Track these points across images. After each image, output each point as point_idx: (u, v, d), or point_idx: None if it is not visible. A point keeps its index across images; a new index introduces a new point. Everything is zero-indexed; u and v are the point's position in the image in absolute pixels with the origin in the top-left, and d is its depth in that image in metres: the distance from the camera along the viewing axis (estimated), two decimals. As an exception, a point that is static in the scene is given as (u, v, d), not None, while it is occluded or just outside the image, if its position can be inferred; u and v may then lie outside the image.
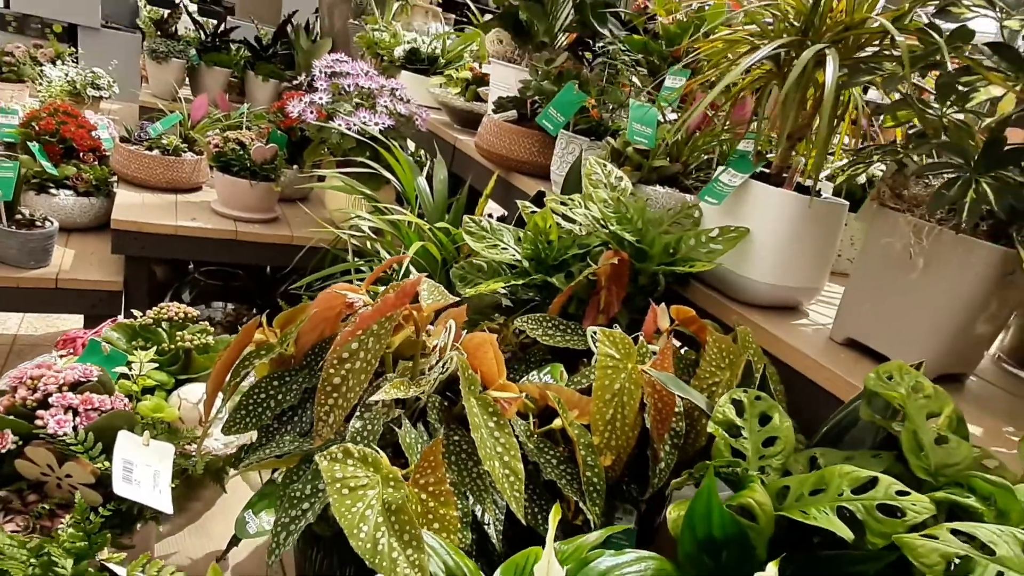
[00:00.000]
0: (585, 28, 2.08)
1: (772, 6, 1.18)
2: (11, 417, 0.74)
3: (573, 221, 1.13)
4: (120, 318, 1.11)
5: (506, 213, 2.06)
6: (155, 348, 1.00)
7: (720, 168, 1.21)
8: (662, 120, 1.48)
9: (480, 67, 2.50)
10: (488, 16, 2.30)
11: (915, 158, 1.02)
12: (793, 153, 1.20)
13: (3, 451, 0.73)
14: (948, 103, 0.94)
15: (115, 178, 2.34)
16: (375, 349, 0.73)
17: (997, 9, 0.85)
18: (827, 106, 0.93)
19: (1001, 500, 0.59)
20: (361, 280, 1.23)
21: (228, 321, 2.41)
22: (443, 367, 0.79)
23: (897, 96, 1.08)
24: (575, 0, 2.02)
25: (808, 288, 1.22)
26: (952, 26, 0.95)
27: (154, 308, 1.10)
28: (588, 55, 2.22)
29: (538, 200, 1.44)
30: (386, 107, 2.19)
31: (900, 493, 0.60)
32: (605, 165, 1.25)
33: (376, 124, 2.12)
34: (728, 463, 0.70)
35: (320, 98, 2.15)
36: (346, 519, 0.58)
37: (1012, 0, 0.86)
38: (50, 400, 0.77)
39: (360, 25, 3.58)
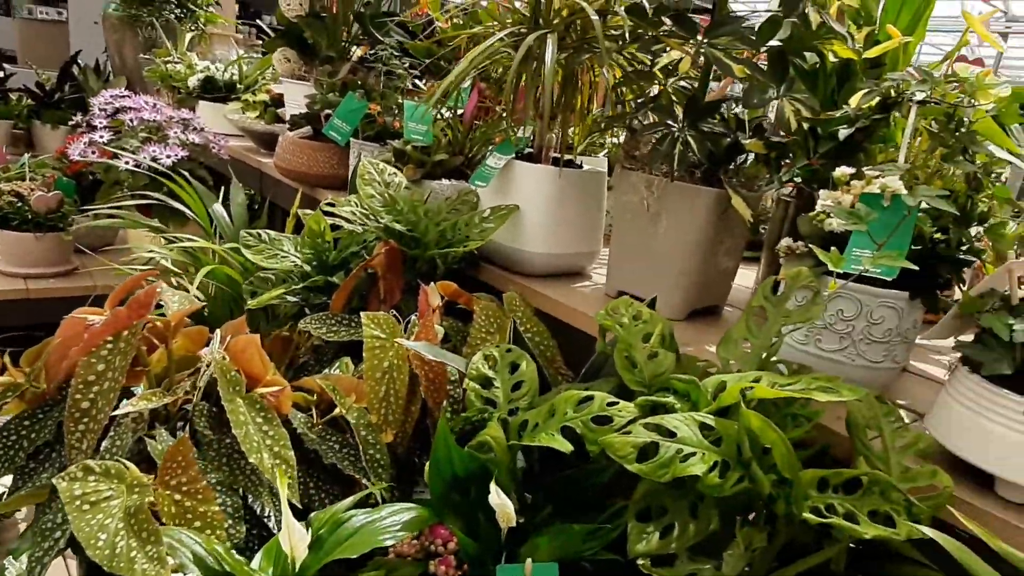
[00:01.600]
0: (370, 40, 2.12)
1: (509, 1, 1.28)
2: None
3: (346, 220, 1.16)
4: None
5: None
6: None
7: (487, 152, 1.29)
8: (439, 117, 1.55)
9: (275, 89, 2.48)
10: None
11: (641, 121, 1.15)
12: (548, 131, 1.31)
13: None
14: (654, 68, 1.07)
15: None
16: (121, 366, 0.73)
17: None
18: (548, 83, 1.03)
19: (692, 393, 0.69)
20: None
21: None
22: (209, 375, 0.79)
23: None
24: (355, 14, 2.06)
25: (584, 252, 1.33)
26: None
27: None
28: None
29: (329, 205, 1.46)
30: (178, 138, 2.11)
31: (610, 404, 0.68)
32: (378, 164, 1.29)
33: (168, 156, 2.04)
34: (479, 411, 0.76)
35: (100, 136, 2.04)
36: (83, 532, 0.58)
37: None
38: None
39: (151, 59, 3.41)
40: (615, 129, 1.31)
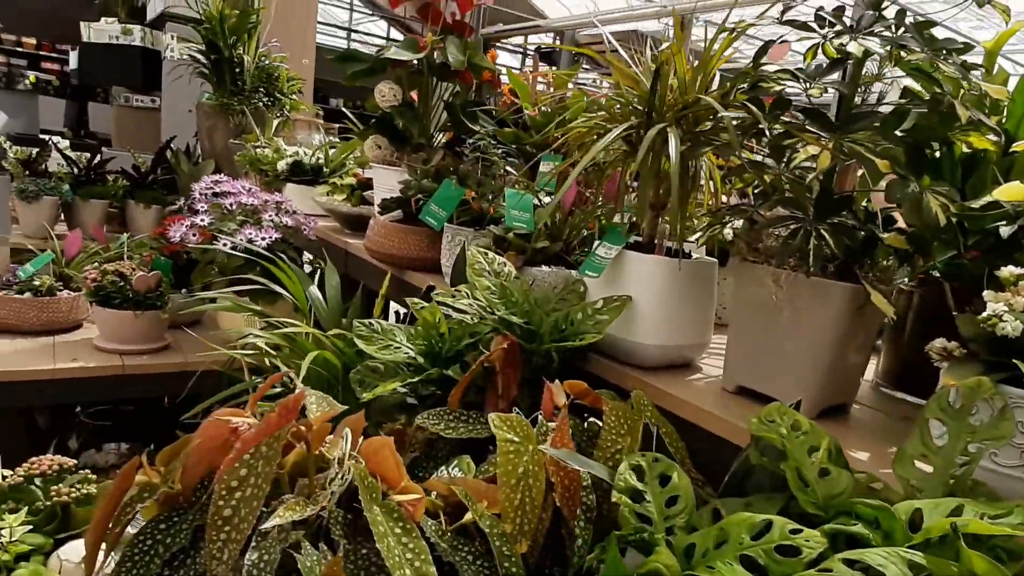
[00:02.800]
0: (458, 127, 2.18)
1: (619, 95, 1.28)
2: None
3: (462, 312, 1.15)
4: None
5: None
6: (26, 508, 0.92)
7: (596, 242, 1.28)
8: (538, 203, 1.56)
9: (363, 172, 2.56)
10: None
11: (763, 213, 1.12)
12: (659, 221, 1.29)
13: None
14: (781, 162, 1.05)
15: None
16: (265, 472, 0.71)
17: (801, 80, 0.97)
18: (674, 177, 1.01)
19: (884, 521, 0.63)
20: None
21: (123, 463, 2.24)
22: (342, 479, 0.77)
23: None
24: (445, 102, 2.13)
25: (695, 344, 1.28)
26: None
27: (24, 464, 1.02)
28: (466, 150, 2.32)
29: (427, 295, 1.45)
30: (272, 221, 2.18)
31: (793, 532, 0.62)
32: (487, 253, 1.29)
33: (263, 239, 2.10)
34: (635, 529, 0.70)
35: (202, 220, 2.12)
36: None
37: (811, 71, 0.99)
38: None
39: (241, 144, 3.59)
40: (726, 218, 1.28)
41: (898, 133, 0.96)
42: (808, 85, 0.97)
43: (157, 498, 0.78)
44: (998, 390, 0.73)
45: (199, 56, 4.01)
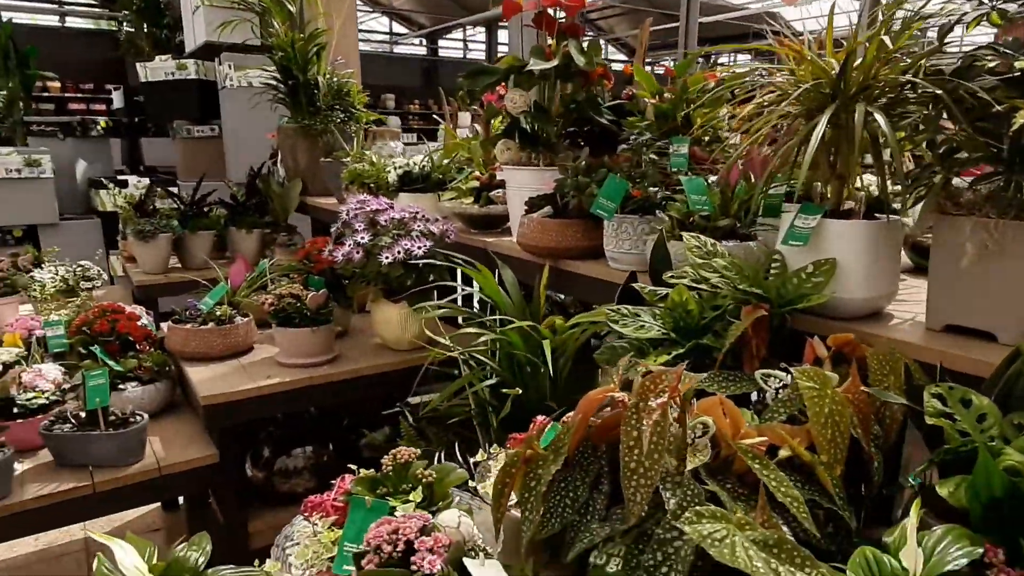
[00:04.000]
0: (583, 122, 2.35)
1: (799, 79, 1.44)
2: (390, 569, 0.86)
3: (711, 290, 1.33)
4: (351, 477, 1.23)
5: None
6: (411, 491, 1.13)
7: (791, 215, 1.44)
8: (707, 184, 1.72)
9: (484, 175, 2.73)
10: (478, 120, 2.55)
11: (956, 172, 1.28)
12: (844, 188, 1.45)
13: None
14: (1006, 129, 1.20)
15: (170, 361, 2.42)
16: (659, 432, 0.90)
17: (1007, 55, 1.13)
18: (894, 146, 1.18)
19: None
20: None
21: (311, 464, 2.47)
22: (704, 434, 0.96)
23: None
24: (574, 101, 2.29)
25: (888, 294, 1.45)
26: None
27: (386, 457, 1.23)
28: (580, 140, 2.49)
29: (630, 281, 1.64)
30: (420, 231, 2.38)
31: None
32: (699, 237, 1.47)
33: (419, 248, 2.30)
34: (963, 443, 0.88)
35: (362, 239, 2.32)
36: (726, 558, 0.74)
37: (1012, 44, 1.14)
38: (415, 547, 0.89)
39: (334, 161, 3.79)
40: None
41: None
42: (1015, 56, 1.12)
43: (550, 461, 0.97)
44: None
45: (274, 82, 4.21)
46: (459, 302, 2.11)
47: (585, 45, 2.26)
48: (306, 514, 1.19)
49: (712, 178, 1.78)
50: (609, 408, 1.03)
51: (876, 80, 1.36)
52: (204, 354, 2.40)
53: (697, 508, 0.81)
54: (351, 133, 4.12)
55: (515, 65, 2.29)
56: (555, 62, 2.14)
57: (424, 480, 1.14)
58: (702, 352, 1.28)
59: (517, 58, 2.35)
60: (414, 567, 0.88)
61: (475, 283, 2.00)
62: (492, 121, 3.02)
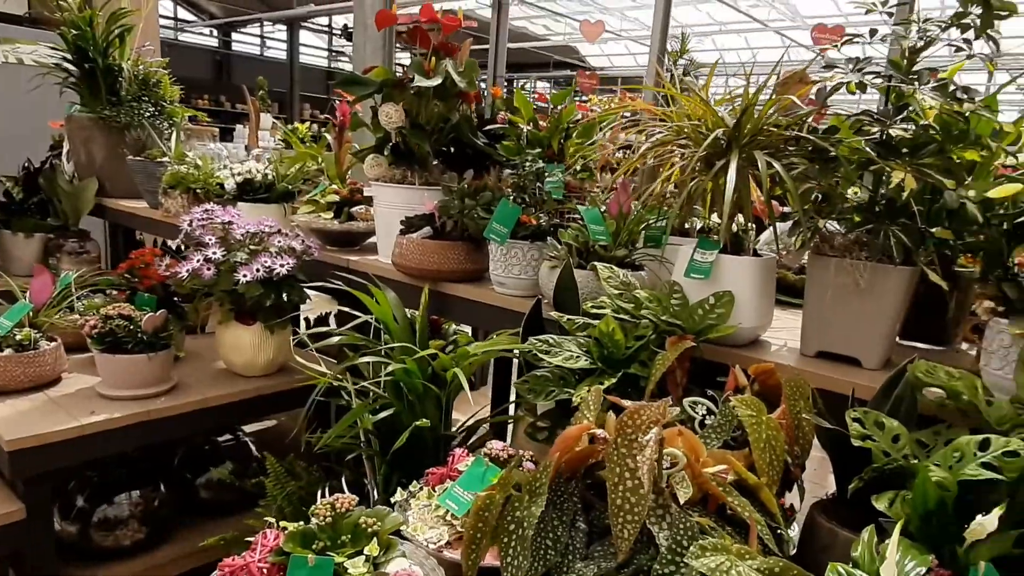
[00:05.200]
0: (457, 142, 2.33)
1: (690, 126, 1.56)
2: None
3: (632, 320, 1.38)
4: (274, 533, 1.06)
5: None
6: (352, 545, 0.99)
7: (683, 247, 1.55)
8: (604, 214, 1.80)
9: (342, 189, 2.59)
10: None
11: (832, 221, 1.47)
12: (734, 226, 1.60)
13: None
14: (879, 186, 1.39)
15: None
16: (635, 468, 0.91)
17: (879, 120, 1.32)
18: (793, 192, 1.32)
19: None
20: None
21: (139, 512, 2.14)
22: (673, 466, 0.98)
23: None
24: (445, 122, 2.26)
25: (768, 323, 1.61)
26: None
27: (319, 507, 1.08)
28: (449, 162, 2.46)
29: (535, 310, 1.65)
30: (280, 247, 2.19)
31: (1007, 454, 0.96)
32: (613, 268, 1.52)
33: (282, 266, 2.11)
34: (887, 461, 1.01)
35: (213, 254, 2.07)
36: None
37: (884, 112, 1.34)
38: None
39: (147, 161, 3.36)
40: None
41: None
42: (888, 124, 1.32)
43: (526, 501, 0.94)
44: (1064, 333, 1.13)
45: (65, 64, 3.63)
46: (333, 324, 1.97)
47: (462, 66, 2.25)
48: (224, 580, 1.02)
49: (602, 208, 1.86)
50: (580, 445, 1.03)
51: (763, 133, 1.52)
52: (2, 387, 1.98)
53: (701, 543, 0.84)
54: (163, 130, 3.68)
55: (389, 79, 2.21)
56: (438, 80, 2.10)
57: (369, 530, 1.04)
58: (630, 381, 1.33)
59: (387, 71, 2.27)
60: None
61: (356, 305, 1.88)
62: (346, 133, 2.88)
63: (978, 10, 1.34)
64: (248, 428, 2.80)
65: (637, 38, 14.14)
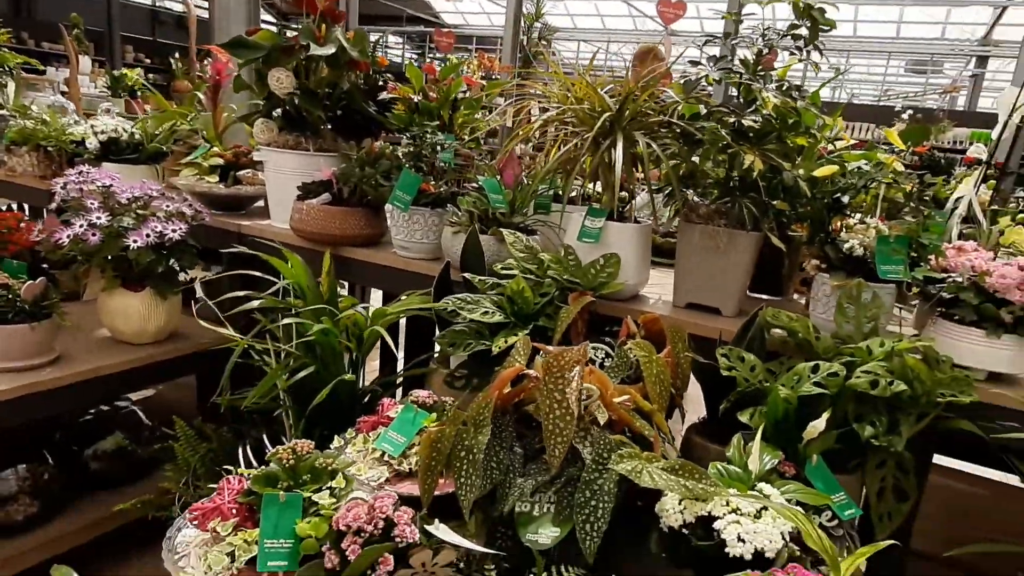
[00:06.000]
0: (349, 111, 2.39)
1: (581, 109, 1.77)
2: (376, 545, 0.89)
3: (537, 279, 1.57)
4: (237, 478, 1.14)
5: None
6: (312, 483, 1.11)
7: (582, 216, 1.78)
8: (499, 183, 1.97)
9: (225, 152, 2.55)
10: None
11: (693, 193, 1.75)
12: (615, 196, 1.84)
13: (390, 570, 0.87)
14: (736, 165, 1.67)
15: None
16: (566, 398, 1.12)
17: (734, 112, 1.60)
18: (667, 168, 1.58)
19: (859, 353, 1.32)
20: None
21: (28, 487, 2.07)
22: (589, 397, 1.21)
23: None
24: (337, 89, 2.31)
25: (645, 280, 1.89)
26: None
27: (281, 451, 1.17)
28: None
29: (444, 274, 1.81)
30: (168, 211, 2.15)
31: (830, 375, 1.28)
32: (515, 234, 1.71)
33: (174, 230, 2.09)
34: (747, 386, 1.30)
35: (98, 218, 2.01)
36: (646, 482, 1.01)
37: (736, 105, 1.62)
38: (394, 521, 0.92)
39: (-18, 114, 3.05)
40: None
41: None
42: (742, 115, 1.60)
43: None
44: (867, 285, 1.49)
45: None
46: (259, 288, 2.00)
47: (350, 34, 2.30)
48: (196, 523, 1.12)
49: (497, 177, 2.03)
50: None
51: (640, 116, 1.76)
52: None
53: (619, 452, 1.07)
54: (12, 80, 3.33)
55: (278, 44, 2.22)
56: (331, 50, 2.15)
57: (329, 468, 1.17)
58: (538, 332, 1.54)
59: (274, 34, 2.28)
60: (398, 540, 0.95)
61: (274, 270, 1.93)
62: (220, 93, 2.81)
63: (808, 22, 1.66)
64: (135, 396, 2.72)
65: (492, -4, 14.23)
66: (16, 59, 3.59)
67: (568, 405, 1.12)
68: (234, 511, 1.13)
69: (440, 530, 1.02)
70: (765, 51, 1.67)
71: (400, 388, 2.07)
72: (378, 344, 1.98)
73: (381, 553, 0.94)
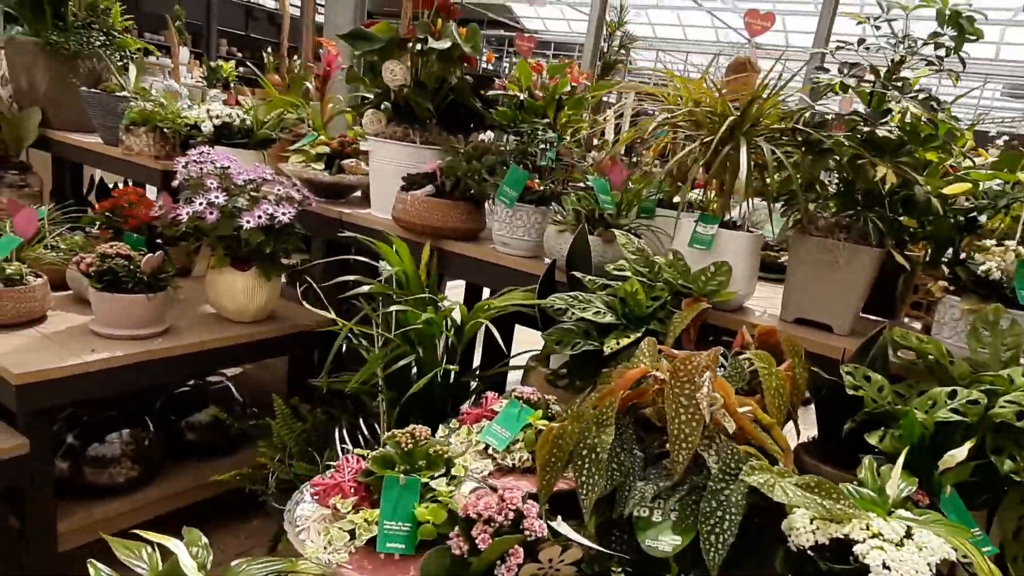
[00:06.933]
0: (454, 105, 2.41)
1: (707, 111, 1.73)
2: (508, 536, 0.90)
3: (649, 282, 1.55)
4: (355, 458, 1.17)
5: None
6: (428, 469, 1.12)
7: (694, 223, 1.74)
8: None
9: (331, 140, 2.61)
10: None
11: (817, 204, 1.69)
12: (730, 203, 1.80)
13: (520, 563, 0.88)
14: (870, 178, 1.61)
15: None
16: (693, 400, 1.09)
17: (868, 121, 1.54)
18: (792, 176, 1.53)
19: (999, 382, 1.24)
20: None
21: (131, 451, 2.17)
22: (712, 404, 1.17)
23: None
24: (446, 83, 2.33)
25: (752, 291, 1.83)
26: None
27: (400, 434, 1.19)
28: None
29: (550, 272, 1.80)
30: (279, 195, 2.22)
31: (970, 402, 1.21)
32: (628, 236, 1.69)
33: (284, 214, 2.15)
34: (876, 406, 1.24)
35: (216, 198, 2.09)
36: (778, 497, 0.97)
37: (870, 114, 1.56)
38: (524, 513, 0.93)
39: (105, 94, 3.22)
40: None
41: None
42: (876, 125, 1.54)
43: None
44: (1005, 311, 1.40)
45: (6, -19, 3.40)
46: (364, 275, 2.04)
47: (463, 30, 2.32)
48: (317, 498, 1.14)
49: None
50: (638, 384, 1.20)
51: (760, 123, 1.71)
52: (-9, 321, 1.95)
53: (751, 463, 1.03)
54: (115, 62, 3.51)
55: (395, 37, 2.26)
56: (447, 43, 2.17)
57: (444, 456, 1.18)
58: (650, 336, 1.51)
59: (391, 27, 2.32)
60: (527, 533, 0.95)
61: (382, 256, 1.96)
62: (328, 82, 2.89)
63: (952, 32, 1.58)
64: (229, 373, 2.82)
65: (573, 3, 14.22)
66: (136, 44, 3.78)
67: (696, 410, 1.09)
68: (352, 488, 1.15)
69: (563, 527, 1.00)
70: (902, 58, 1.59)
71: (476, 383, 2.07)
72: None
73: (512, 544, 0.93)
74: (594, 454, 1.10)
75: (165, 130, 2.97)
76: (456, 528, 0.98)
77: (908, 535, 0.97)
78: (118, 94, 3.24)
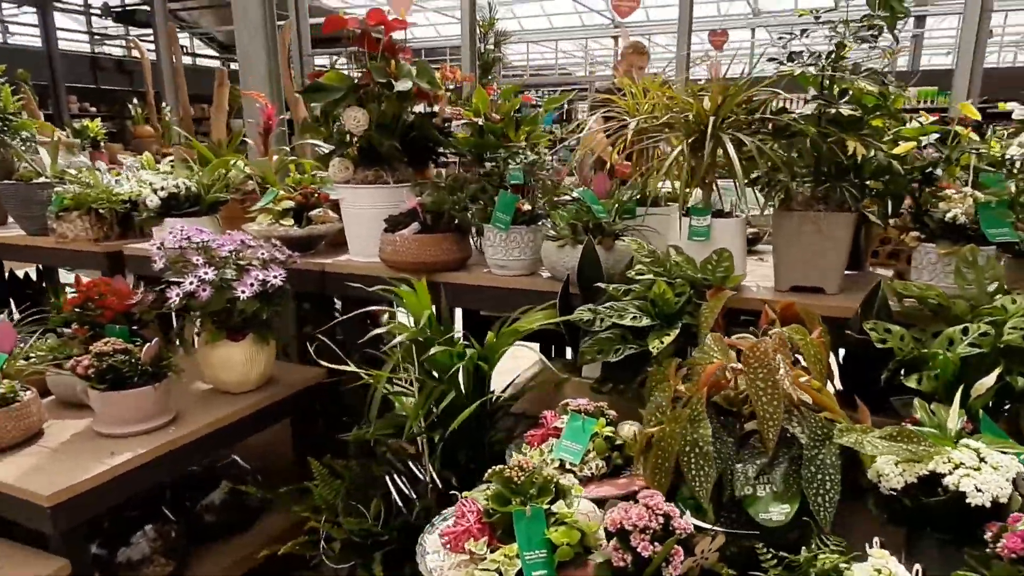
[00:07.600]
0: (420, 140, 2.45)
1: (686, 110, 1.87)
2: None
3: (670, 280, 1.67)
4: (469, 502, 1.20)
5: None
6: (540, 497, 1.18)
7: (688, 218, 1.87)
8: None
9: (293, 194, 2.58)
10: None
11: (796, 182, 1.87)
12: (712, 193, 1.94)
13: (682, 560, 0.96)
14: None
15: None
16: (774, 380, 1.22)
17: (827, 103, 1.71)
18: (775, 161, 1.69)
19: (997, 312, 1.44)
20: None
21: (160, 547, 2.09)
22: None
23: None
24: (403, 121, 2.37)
25: (745, 270, 1.99)
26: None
27: (510, 469, 1.23)
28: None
29: (565, 290, 1.89)
30: (263, 258, 2.19)
31: (982, 335, 1.40)
32: (638, 241, 1.80)
33: (275, 277, 2.13)
34: (906, 353, 1.41)
35: (205, 274, 2.04)
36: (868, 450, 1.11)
37: (829, 96, 1.74)
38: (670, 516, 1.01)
39: (17, 183, 3.03)
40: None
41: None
42: (836, 105, 1.72)
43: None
44: (980, 250, 1.61)
45: None
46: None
47: (414, 68, 2.37)
48: (449, 546, 1.18)
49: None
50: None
51: (731, 116, 1.87)
52: (-7, 447, 1.83)
53: (840, 426, 1.16)
54: (17, 147, 3.28)
55: (352, 84, 2.28)
56: (408, 84, 2.21)
57: (552, 484, 1.25)
58: (683, 330, 1.63)
59: (343, 75, 2.34)
60: (679, 532, 1.04)
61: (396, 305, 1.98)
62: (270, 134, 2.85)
63: (884, 13, 1.78)
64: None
65: (438, 8, 14.32)
66: (34, 124, 3.55)
67: (776, 390, 1.21)
68: (478, 530, 1.20)
69: (695, 520, 1.10)
70: (848, 42, 1.78)
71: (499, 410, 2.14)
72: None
73: (673, 545, 1.02)
74: (698, 448, 1.20)
75: (100, 211, 2.84)
76: (610, 543, 1.06)
77: (982, 459, 1.12)
78: (35, 181, 3.06)
